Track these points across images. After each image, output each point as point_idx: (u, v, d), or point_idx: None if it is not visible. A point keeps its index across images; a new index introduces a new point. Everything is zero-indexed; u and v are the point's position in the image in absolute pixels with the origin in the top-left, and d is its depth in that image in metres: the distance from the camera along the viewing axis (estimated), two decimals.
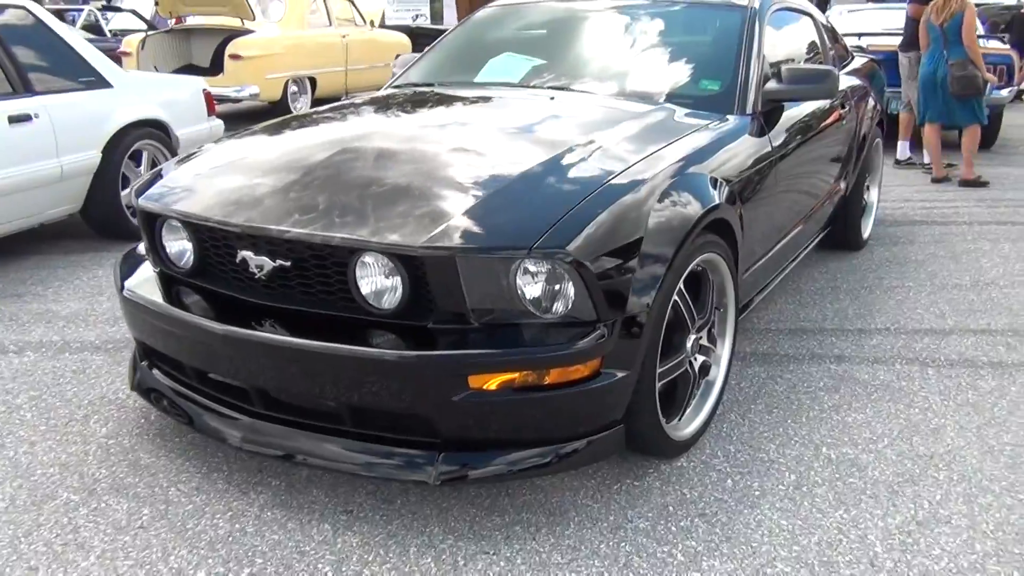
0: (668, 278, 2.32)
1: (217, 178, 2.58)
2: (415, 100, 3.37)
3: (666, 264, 2.29)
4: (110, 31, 12.42)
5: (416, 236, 2.11)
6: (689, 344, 2.59)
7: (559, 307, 2.16)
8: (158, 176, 2.76)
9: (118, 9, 13.04)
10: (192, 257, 2.51)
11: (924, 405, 3.01)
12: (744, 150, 2.94)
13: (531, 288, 2.13)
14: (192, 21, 10.33)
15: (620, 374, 2.23)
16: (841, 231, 4.66)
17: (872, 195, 5.03)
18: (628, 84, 3.32)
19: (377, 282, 2.20)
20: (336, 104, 3.42)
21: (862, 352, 3.45)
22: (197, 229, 2.46)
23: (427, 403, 2.12)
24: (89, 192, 4.72)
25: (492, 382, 2.12)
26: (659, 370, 2.44)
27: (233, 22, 9.90)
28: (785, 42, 3.80)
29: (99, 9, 12.34)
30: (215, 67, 9.65)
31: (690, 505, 2.40)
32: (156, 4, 9.69)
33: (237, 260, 2.36)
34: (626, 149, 2.61)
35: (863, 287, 4.24)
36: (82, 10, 12.44)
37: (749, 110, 3.14)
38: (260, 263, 2.30)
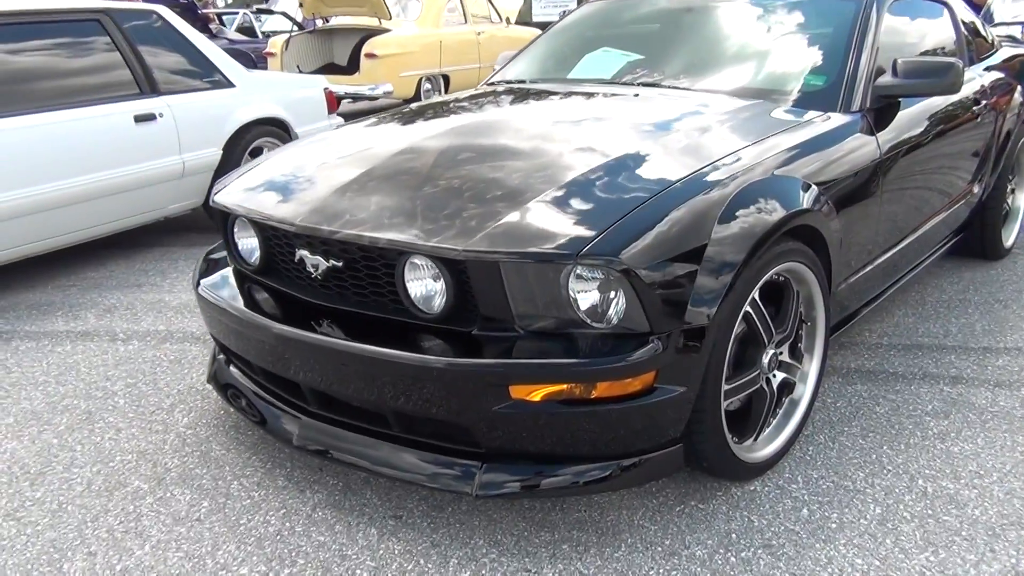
0: (737, 289, 2.15)
1: (286, 177, 2.60)
2: (496, 98, 3.30)
3: (733, 273, 2.12)
4: (263, 32, 13.04)
5: (461, 239, 2.05)
6: (766, 359, 2.41)
7: (610, 317, 2.04)
8: (240, 174, 2.82)
9: (270, 12, 13.69)
10: (259, 255, 2.54)
11: None
12: (845, 150, 2.70)
13: (580, 297, 2.03)
14: (335, 22, 10.71)
15: (677, 390, 2.08)
16: (977, 239, 4.25)
17: (1019, 199, 4.57)
18: (725, 79, 3.13)
19: (425, 286, 2.15)
20: (421, 104, 3.41)
21: (983, 374, 3.12)
22: (262, 227, 2.49)
23: (468, 412, 2.06)
24: (210, 188, 4.94)
25: (536, 393, 2.03)
26: (727, 387, 2.27)
27: (372, 22, 10.18)
28: (910, 33, 3.49)
29: (252, 12, 12.99)
30: (352, 66, 9.96)
31: (756, 534, 2.23)
32: (300, 6, 10.09)
33: (296, 259, 2.37)
34: (703, 149, 2.44)
35: (997, 301, 3.85)
36: (238, 12, 13.15)
37: (856, 107, 2.89)
38: (315, 263, 2.30)
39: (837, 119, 2.79)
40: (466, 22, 10.97)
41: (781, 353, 2.50)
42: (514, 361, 2.02)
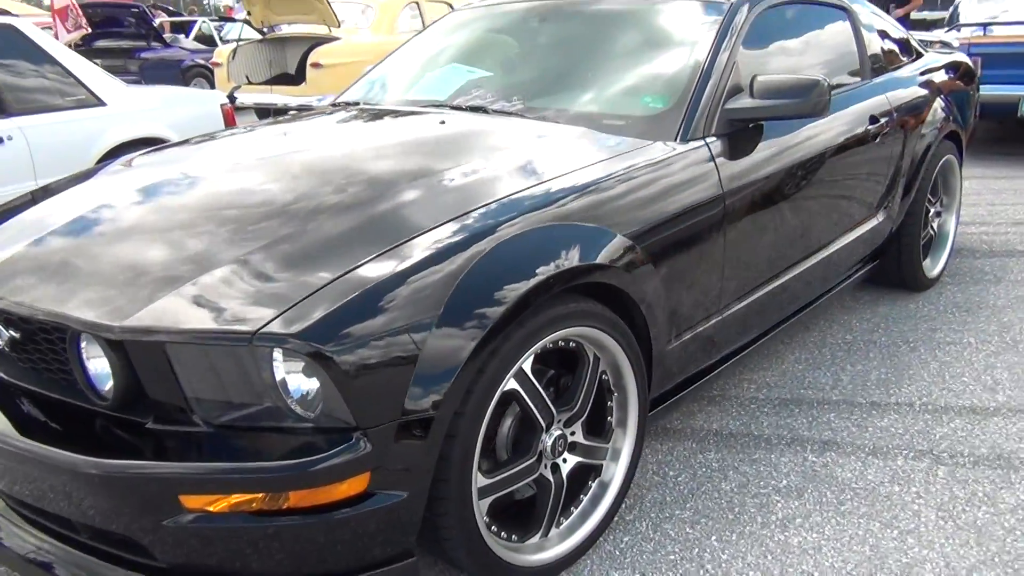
0: (488, 366, 1.78)
1: None
2: (296, 123, 2.91)
3: (473, 348, 1.73)
4: (224, 40, 12.72)
5: (120, 315, 1.68)
6: (549, 443, 2.02)
7: (310, 409, 1.66)
8: None
9: (232, 19, 13.37)
10: None
11: (910, 525, 2.27)
12: (670, 187, 2.31)
13: (267, 385, 1.65)
14: (288, 30, 10.36)
15: (398, 495, 1.70)
16: (894, 268, 3.84)
17: (946, 224, 4.14)
18: (559, 101, 2.74)
19: (99, 366, 1.78)
20: (201, 136, 3.02)
21: (861, 438, 2.71)
22: None
23: (135, 525, 1.68)
24: None
25: (217, 504, 1.65)
26: (487, 481, 1.89)
27: (323, 30, 9.83)
28: (792, 45, 3.09)
29: (213, 20, 12.68)
30: (300, 76, 9.60)
31: None
32: (248, 14, 9.75)
33: None
34: (476, 192, 2.06)
35: (905, 342, 3.43)
36: (195, 22, 12.85)
37: (698, 133, 2.49)
38: None
39: (666, 149, 2.40)
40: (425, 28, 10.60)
41: (573, 433, 2.10)
42: (179, 465, 1.64)
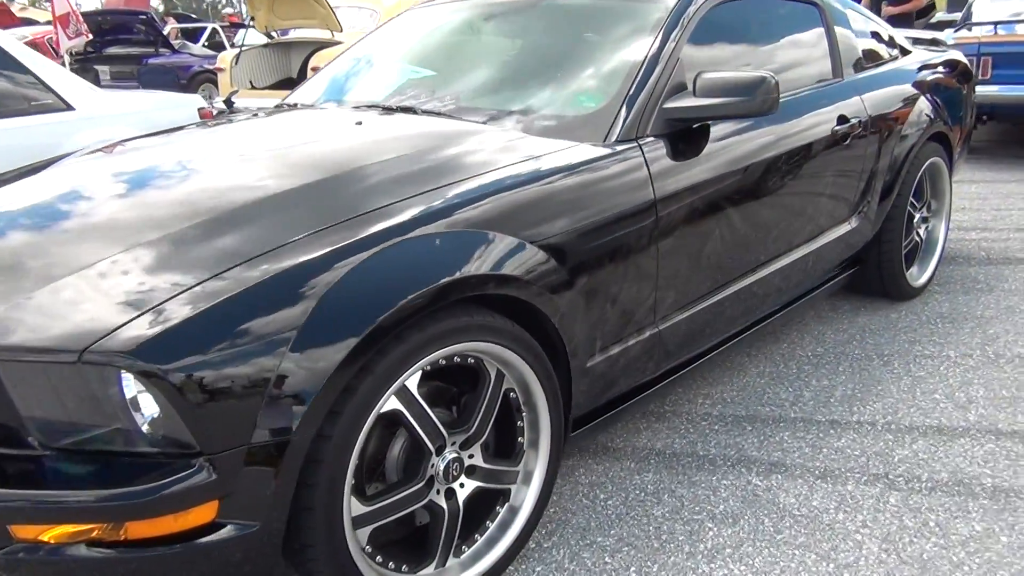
0: (360, 385, 1.65)
1: None
2: (226, 123, 2.79)
3: (338, 365, 1.59)
4: (236, 46, 12.72)
5: None
6: (442, 466, 1.87)
7: (152, 432, 1.53)
8: None
9: (244, 26, 13.38)
10: None
11: (849, 558, 2.09)
12: (598, 192, 2.15)
13: (115, 405, 1.52)
14: (293, 35, 10.32)
15: (251, 525, 1.57)
16: (874, 276, 3.64)
17: (935, 230, 3.93)
18: (494, 102, 2.59)
19: None
20: (130, 138, 2.91)
21: (813, 460, 2.53)
22: None
23: None
24: None
25: (51, 534, 1.53)
26: (366, 508, 1.75)
27: (325, 35, 9.76)
28: (750, 40, 2.92)
29: (223, 25, 12.69)
30: (302, 80, 9.53)
31: None
32: (251, 19, 9.72)
33: None
34: (362, 197, 1.92)
35: (879, 356, 3.24)
36: (205, 28, 12.87)
37: (632, 134, 2.33)
38: None
39: (591, 151, 2.24)
40: None
41: (472, 456, 1.95)
42: (8, 492, 1.52)
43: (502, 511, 2.05)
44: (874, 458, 2.53)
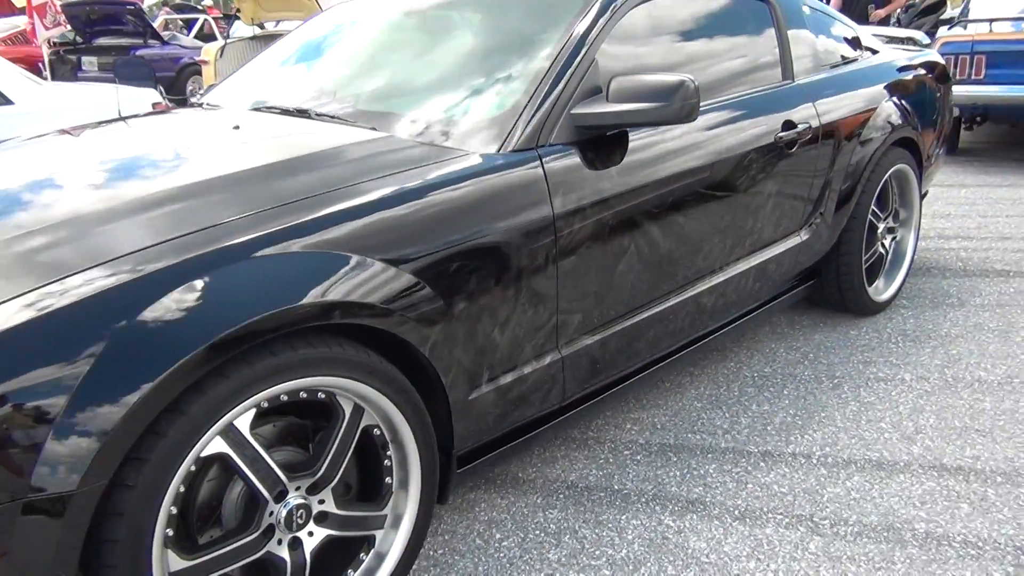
0: (170, 428, 1.46)
1: None
2: (124, 125, 2.60)
3: (134, 407, 1.40)
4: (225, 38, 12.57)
5: None
6: (283, 513, 1.68)
7: None
8: None
9: (236, 17, 13.22)
10: None
11: None
12: (482, 207, 1.95)
13: None
14: (282, 26, 10.16)
15: None
16: (833, 292, 3.43)
17: (903, 241, 3.70)
18: (394, 105, 2.40)
19: None
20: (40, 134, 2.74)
21: (735, 496, 2.33)
22: None
23: None
24: None
25: None
26: (186, 564, 1.56)
27: None
28: (683, 42, 2.70)
29: (215, 19, 12.54)
30: None
31: None
32: (238, 11, 9.56)
33: None
34: (201, 211, 1.73)
35: (830, 377, 3.02)
36: (197, 20, 12.71)
37: (532, 143, 2.13)
38: None
39: (478, 162, 2.04)
40: None
41: (322, 502, 1.76)
42: None
43: (367, 558, 1.87)
44: (802, 496, 2.32)
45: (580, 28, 2.35)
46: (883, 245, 3.58)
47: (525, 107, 2.18)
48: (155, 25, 12.82)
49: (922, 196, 3.90)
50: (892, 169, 3.43)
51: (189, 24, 13.30)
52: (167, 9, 15.00)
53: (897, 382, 2.98)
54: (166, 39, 11.07)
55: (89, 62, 10.33)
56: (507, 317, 2.02)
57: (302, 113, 2.43)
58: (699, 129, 2.52)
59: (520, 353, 2.09)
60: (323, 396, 1.72)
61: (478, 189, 1.97)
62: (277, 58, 3.03)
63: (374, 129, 2.23)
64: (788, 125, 2.84)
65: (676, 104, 2.16)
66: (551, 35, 2.36)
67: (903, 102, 3.48)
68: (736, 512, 2.26)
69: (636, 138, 2.34)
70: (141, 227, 1.67)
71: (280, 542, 1.70)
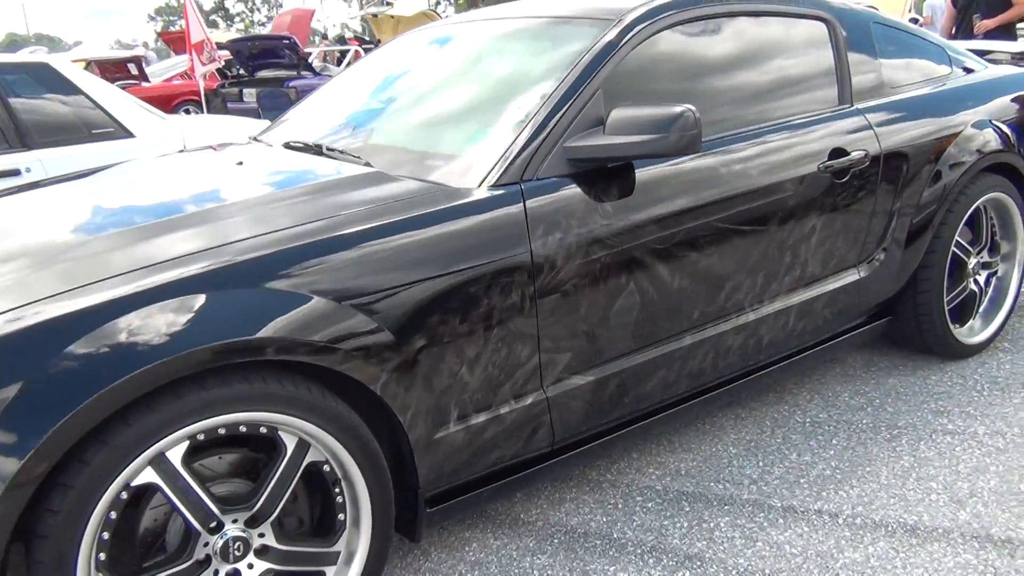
0: (95, 457, 1.54)
1: None
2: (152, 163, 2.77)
3: (50, 433, 1.48)
4: None
5: None
6: (220, 544, 1.72)
7: None
8: None
9: (379, 44, 13.82)
10: None
11: None
12: (453, 243, 1.93)
13: None
14: None
15: None
16: (912, 332, 3.14)
17: (1005, 277, 3.33)
18: (402, 140, 2.43)
19: None
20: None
21: (739, 556, 2.17)
22: None
23: None
24: None
25: None
26: None
27: None
28: (724, 63, 2.57)
29: (365, 49, 13.15)
30: None
31: None
32: (379, 41, 9.97)
33: None
34: (161, 246, 1.81)
35: (890, 427, 2.76)
36: (349, 50, 13.38)
37: (518, 176, 2.09)
38: None
39: (457, 197, 2.01)
40: None
41: (263, 536, 1.78)
42: None
43: None
44: (813, 560, 2.13)
45: (590, 59, 2.28)
46: (976, 281, 3.24)
47: (514, 141, 2.14)
48: (314, 56, 13.61)
49: None
50: (985, 198, 3.11)
51: (343, 55, 14.09)
52: (325, 42, 15.96)
53: (967, 436, 2.68)
54: (319, 70, 11.71)
55: (249, 93, 11.08)
56: (477, 356, 1.98)
57: (315, 149, 2.49)
58: (722, 159, 2.39)
59: (496, 393, 2.05)
60: (265, 431, 1.75)
61: (447, 224, 1.95)
62: (324, 96, 3.13)
63: (367, 164, 2.25)
64: (838, 153, 2.64)
65: (674, 136, 2.06)
66: (555, 69, 2.30)
67: (1000, 124, 3.15)
68: (734, 571, 2.10)
69: (647, 170, 2.25)
70: (104, 259, 1.77)
71: (217, 573, 1.74)
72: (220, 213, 1.96)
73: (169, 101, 12.77)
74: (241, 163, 2.37)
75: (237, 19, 68.35)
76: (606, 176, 2.20)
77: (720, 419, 2.89)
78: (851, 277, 2.79)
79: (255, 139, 2.96)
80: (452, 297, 1.91)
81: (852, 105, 2.80)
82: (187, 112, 12.33)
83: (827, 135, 2.65)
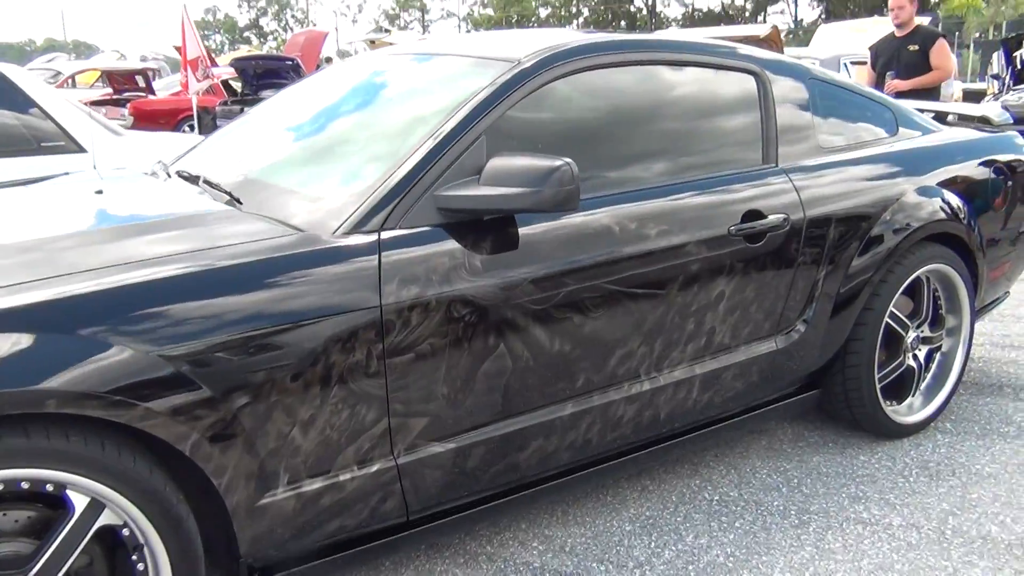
0: None
1: None
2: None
3: None
4: None
5: None
6: None
7: None
8: None
9: None
10: None
11: None
12: (286, 291, 1.79)
13: None
14: None
15: None
16: (841, 408, 2.96)
17: (950, 353, 3.14)
18: (282, 178, 2.30)
19: None
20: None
21: None
22: None
23: None
24: None
25: None
26: None
27: None
28: (625, 118, 2.43)
29: None
30: None
31: None
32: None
33: None
34: None
35: (800, 512, 2.57)
36: None
37: (379, 225, 1.95)
38: None
39: (303, 243, 1.88)
40: None
41: None
42: None
43: None
44: None
45: (472, 103, 2.15)
46: (915, 357, 3.06)
47: (381, 186, 2.00)
48: None
49: (991, 302, 3.35)
50: (924, 269, 2.93)
51: None
52: (336, 58, 16.02)
53: (879, 527, 2.49)
54: None
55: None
56: (311, 417, 1.83)
57: (195, 180, 2.37)
58: (617, 217, 2.24)
59: (336, 458, 1.89)
60: (52, 488, 1.60)
61: (285, 273, 1.81)
62: (241, 124, 3.01)
63: (236, 201, 2.12)
64: (753, 215, 2.48)
65: (548, 191, 1.92)
66: (440, 112, 2.17)
67: (947, 192, 2.98)
68: None
69: (533, 226, 2.10)
70: None
71: None
72: (27, 247, 1.83)
73: (175, 115, 12.75)
74: (100, 192, 2.25)
75: (271, 37, 69.19)
76: (483, 229, 2.05)
77: (625, 490, 2.71)
78: (766, 347, 2.62)
79: (164, 164, 2.85)
80: (283, 352, 1.77)
81: (776, 165, 2.65)
82: (190, 128, 12.33)
83: (742, 196, 2.50)
